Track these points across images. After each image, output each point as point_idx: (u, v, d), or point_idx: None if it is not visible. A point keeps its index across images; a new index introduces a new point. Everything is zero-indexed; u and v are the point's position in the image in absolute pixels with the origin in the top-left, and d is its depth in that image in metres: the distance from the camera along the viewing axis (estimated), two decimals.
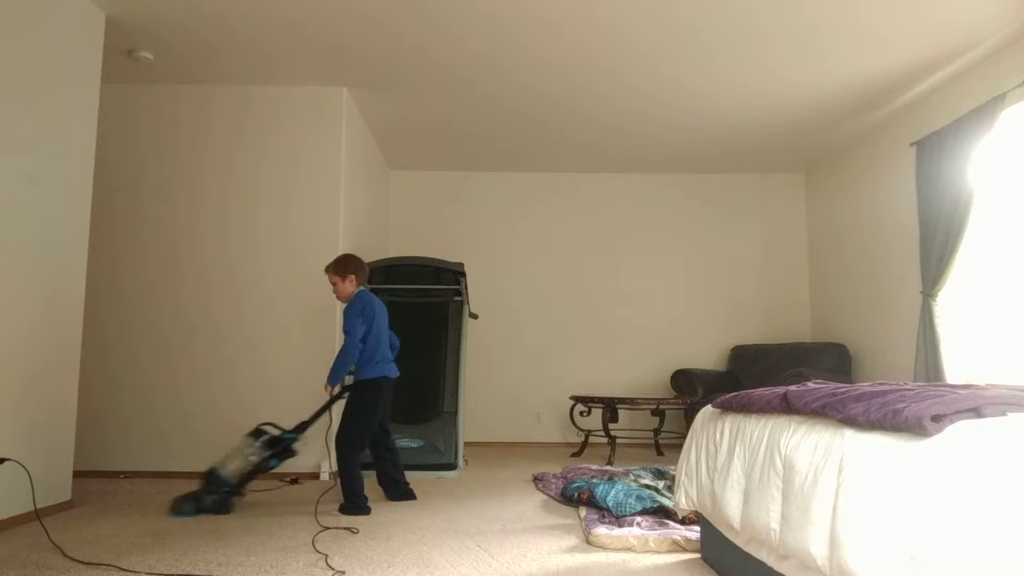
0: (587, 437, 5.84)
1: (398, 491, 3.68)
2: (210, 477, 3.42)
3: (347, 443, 3.41)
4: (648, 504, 3.13)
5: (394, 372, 3.60)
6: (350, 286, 3.56)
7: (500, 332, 6.58)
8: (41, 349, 3.33)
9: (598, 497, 3.28)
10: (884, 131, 5.40)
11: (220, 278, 4.63)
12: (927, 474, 1.29)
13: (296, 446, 3.67)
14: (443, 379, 4.99)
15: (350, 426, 3.44)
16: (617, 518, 3.05)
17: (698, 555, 2.62)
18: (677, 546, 2.70)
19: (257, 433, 3.60)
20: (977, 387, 1.72)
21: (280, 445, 3.59)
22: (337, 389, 3.56)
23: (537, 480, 4.27)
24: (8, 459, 3.00)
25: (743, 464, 2.05)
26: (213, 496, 3.36)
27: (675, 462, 4.47)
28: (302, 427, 3.66)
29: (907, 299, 4.99)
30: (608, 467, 4.67)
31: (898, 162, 5.18)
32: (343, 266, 3.56)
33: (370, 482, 4.08)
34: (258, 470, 3.53)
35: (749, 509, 1.93)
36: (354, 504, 3.35)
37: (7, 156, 3.12)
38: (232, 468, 3.45)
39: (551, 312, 6.65)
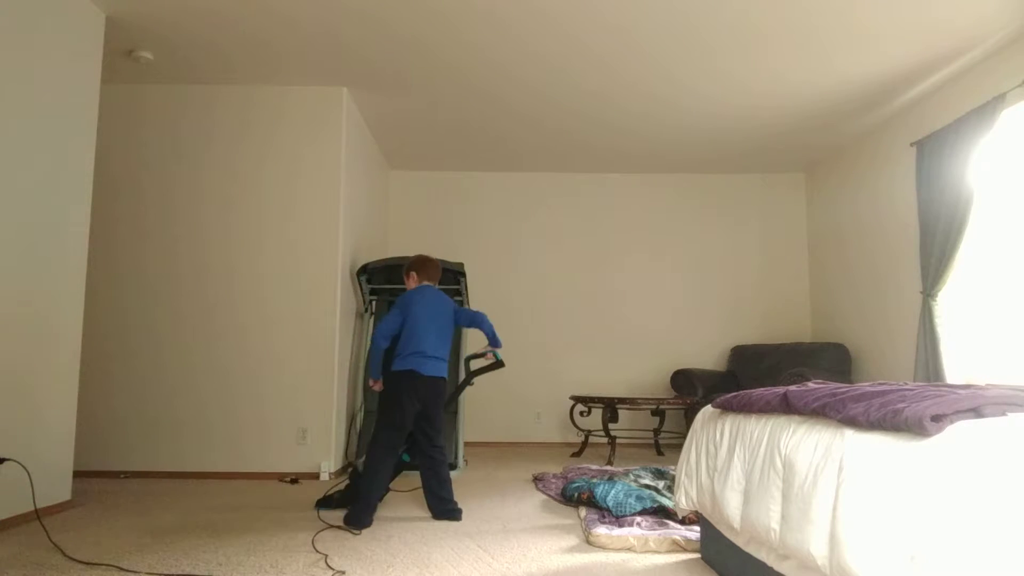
0: (587, 437, 5.84)
1: (441, 508, 3.28)
2: (353, 474, 3.58)
3: (372, 440, 3.27)
4: (648, 504, 3.13)
5: (424, 368, 3.29)
6: (411, 283, 3.60)
7: (500, 332, 6.51)
8: (41, 349, 3.33)
9: (598, 497, 3.28)
10: (884, 131, 5.40)
11: (220, 278, 4.63)
12: (927, 474, 1.29)
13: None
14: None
15: (377, 422, 3.33)
16: (617, 518, 3.05)
17: (698, 555, 2.62)
18: (677, 546, 2.70)
19: None
20: (977, 387, 1.72)
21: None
22: (378, 385, 3.46)
23: (537, 480, 4.27)
24: (8, 459, 3.00)
25: (743, 464, 2.05)
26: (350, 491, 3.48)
27: (675, 462, 4.47)
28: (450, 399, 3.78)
29: (907, 299, 4.99)
30: (608, 467, 4.67)
31: (898, 162, 5.18)
32: (405, 267, 3.64)
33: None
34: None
35: (749, 509, 1.93)
36: (355, 513, 3.11)
37: (6, 156, 3.12)
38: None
39: (551, 312, 6.65)
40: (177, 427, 4.49)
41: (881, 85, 4.68)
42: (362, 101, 5.07)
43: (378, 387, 3.46)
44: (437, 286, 3.64)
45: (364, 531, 2.99)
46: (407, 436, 3.35)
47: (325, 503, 3.47)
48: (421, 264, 3.62)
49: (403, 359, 3.32)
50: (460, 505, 3.33)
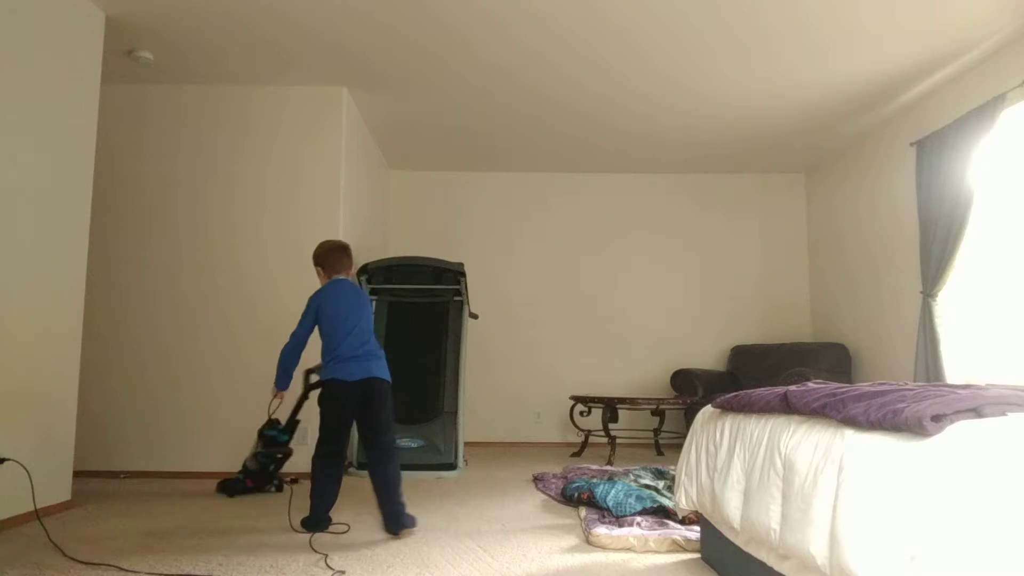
0: (587, 437, 5.84)
1: (386, 513, 2.94)
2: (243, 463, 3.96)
3: (315, 449, 3.08)
4: (648, 504, 3.13)
5: (352, 375, 2.99)
6: (319, 278, 3.27)
7: (500, 332, 6.57)
8: (41, 349, 3.33)
9: (598, 497, 3.28)
10: (884, 131, 5.40)
11: (220, 278, 4.63)
12: (927, 474, 1.29)
13: (291, 444, 3.97)
14: (443, 379, 4.99)
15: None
16: (617, 518, 3.05)
17: (698, 555, 2.62)
18: (677, 546, 2.70)
19: (266, 426, 3.92)
20: (977, 387, 1.72)
21: (267, 440, 3.91)
22: (279, 396, 3.34)
23: (537, 480, 4.27)
24: (8, 459, 3.00)
25: (743, 464, 2.05)
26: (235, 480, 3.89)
27: (675, 462, 4.47)
28: (288, 426, 3.95)
29: (907, 299, 4.99)
30: (608, 467, 4.67)
31: (898, 162, 5.18)
32: (314, 257, 3.27)
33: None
34: (261, 464, 3.91)
35: (749, 509, 1.93)
36: (309, 517, 3.00)
37: (6, 156, 3.12)
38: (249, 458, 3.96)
39: (551, 312, 6.65)
40: (177, 427, 4.49)
41: (881, 85, 4.68)
42: (362, 101, 5.07)
43: (278, 399, 3.32)
44: (352, 276, 3.22)
45: (364, 531, 2.99)
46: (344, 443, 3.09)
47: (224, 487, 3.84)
48: (325, 255, 3.22)
49: (326, 367, 3.07)
50: (460, 505, 3.26)
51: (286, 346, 3.21)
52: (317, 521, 3.00)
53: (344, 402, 3.02)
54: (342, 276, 3.24)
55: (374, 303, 5.33)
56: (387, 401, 3.09)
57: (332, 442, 3.04)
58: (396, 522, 2.90)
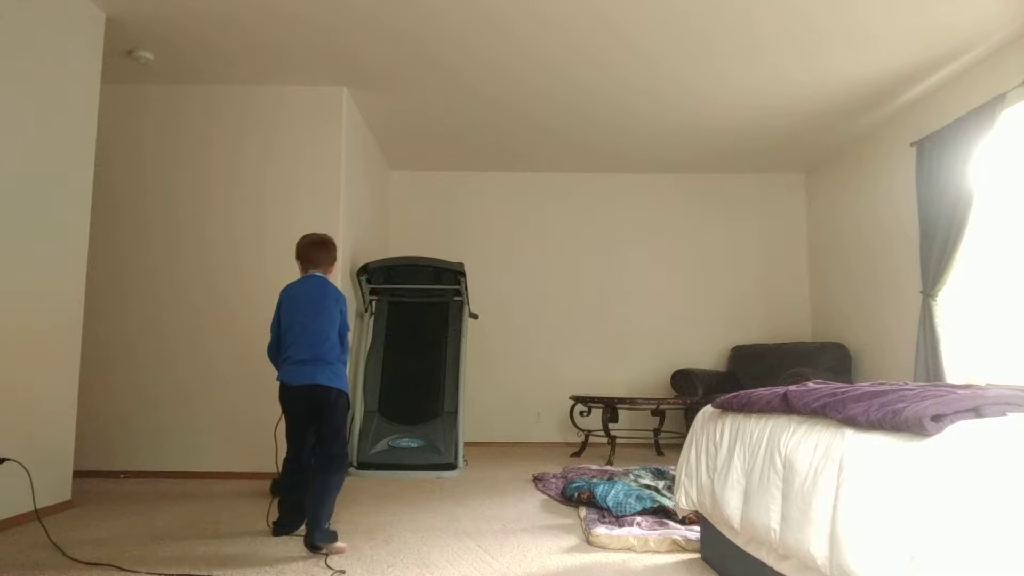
0: (587, 437, 5.84)
1: (306, 533, 2.68)
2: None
3: None
4: (648, 504, 3.13)
5: (292, 377, 2.84)
6: (300, 272, 3.12)
7: (500, 332, 6.57)
8: (41, 349, 3.33)
9: (598, 497, 3.28)
10: (884, 131, 5.40)
11: (220, 277, 4.63)
12: (927, 474, 1.29)
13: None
14: (443, 379, 5.00)
15: None
16: (617, 518, 3.05)
17: (698, 555, 2.62)
18: (677, 546, 2.70)
19: None
20: (977, 387, 1.72)
21: None
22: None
23: (537, 480, 4.27)
24: (8, 459, 3.00)
25: (743, 464, 2.05)
26: None
27: (675, 462, 4.47)
28: None
29: (907, 299, 4.99)
30: (608, 467, 4.67)
31: (898, 162, 5.18)
32: (295, 249, 3.16)
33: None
34: None
35: (749, 509, 1.93)
36: (275, 520, 2.96)
37: (6, 156, 3.12)
38: None
39: (551, 312, 6.65)
40: (177, 427, 4.49)
41: (881, 85, 4.68)
42: (362, 101, 5.06)
43: None
44: (327, 271, 3.11)
45: (364, 531, 2.99)
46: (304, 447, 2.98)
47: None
48: (301, 248, 3.10)
49: (280, 368, 2.94)
50: (460, 505, 3.22)
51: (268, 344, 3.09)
52: (279, 524, 2.94)
53: (289, 406, 2.90)
54: (317, 272, 3.08)
55: (374, 303, 5.33)
56: (337, 411, 2.86)
57: (290, 446, 2.99)
58: (309, 538, 2.65)
